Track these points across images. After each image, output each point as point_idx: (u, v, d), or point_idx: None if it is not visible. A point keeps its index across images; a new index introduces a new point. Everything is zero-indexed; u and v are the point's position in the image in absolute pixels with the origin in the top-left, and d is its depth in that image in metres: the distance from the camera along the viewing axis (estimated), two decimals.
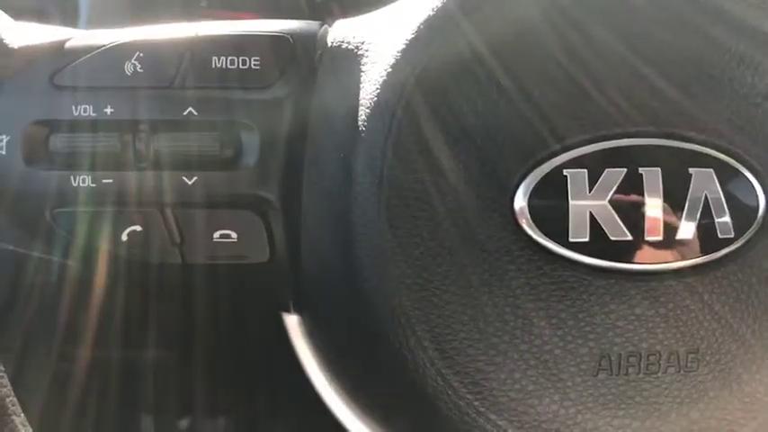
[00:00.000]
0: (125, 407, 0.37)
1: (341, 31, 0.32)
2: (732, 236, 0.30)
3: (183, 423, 0.40)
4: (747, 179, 0.30)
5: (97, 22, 0.61)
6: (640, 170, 0.29)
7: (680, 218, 0.29)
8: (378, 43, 0.31)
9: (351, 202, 0.29)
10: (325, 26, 0.33)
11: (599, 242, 0.29)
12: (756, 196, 0.30)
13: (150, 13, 0.67)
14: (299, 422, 0.41)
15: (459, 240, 0.29)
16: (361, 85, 0.30)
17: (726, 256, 0.30)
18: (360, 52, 0.31)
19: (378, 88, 0.29)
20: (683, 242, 0.29)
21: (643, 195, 0.29)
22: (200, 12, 0.75)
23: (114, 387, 0.36)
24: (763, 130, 0.30)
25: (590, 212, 0.29)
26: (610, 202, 0.29)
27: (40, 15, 0.65)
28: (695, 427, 0.30)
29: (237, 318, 0.33)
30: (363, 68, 0.30)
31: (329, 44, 0.32)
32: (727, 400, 0.30)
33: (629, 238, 0.29)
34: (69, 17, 0.63)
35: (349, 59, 0.31)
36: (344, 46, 0.31)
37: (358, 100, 0.29)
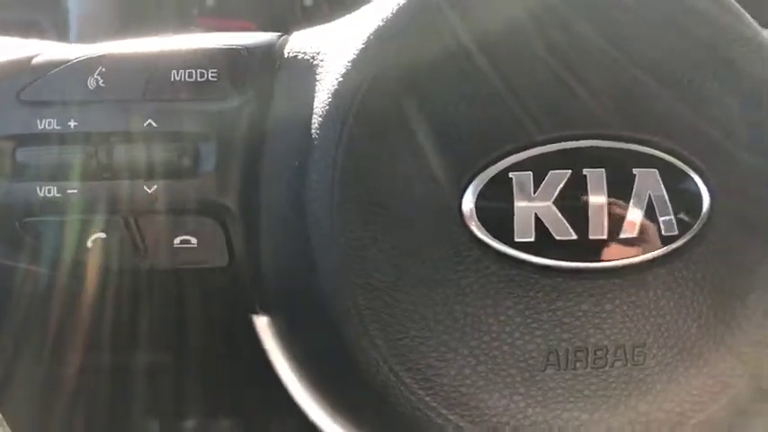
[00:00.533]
0: (101, 410, 0.38)
1: (298, 42, 0.34)
2: (676, 233, 0.31)
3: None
4: (692, 179, 0.31)
5: (87, 34, 0.63)
6: (584, 171, 0.30)
7: (624, 217, 0.30)
8: (332, 53, 0.32)
9: (305, 208, 0.30)
10: (285, 37, 0.34)
11: (544, 242, 0.30)
12: (701, 195, 0.31)
13: (140, 24, 0.69)
14: (272, 423, 0.42)
15: (410, 242, 0.30)
16: (315, 94, 0.31)
17: (670, 253, 0.31)
18: (315, 62, 0.32)
19: (330, 97, 0.30)
20: (627, 241, 0.30)
21: (587, 196, 0.30)
22: (193, 21, 0.76)
23: (93, 391, 0.37)
24: (707, 130, 0.31)
25: (535, 213, 0.30)
26: (554, 202, 0.30)
27: (35, 29, 0.67)
28: (643, 419, 0.31)
29: (208, 321, 0.35)
30: (318, 78, 0.32)
31: (286, 55, 0.33)
32: (675, 392, 0.31)
33: (574, 237, 0.30)
34: (62, 30, 0.65)
35: (304, 69, 0.32)
36: (300, 56, 0.33)
37: (312, 109, 0.31)
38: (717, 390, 0.31)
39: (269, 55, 0.33)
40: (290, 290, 0.32)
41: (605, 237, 0.30)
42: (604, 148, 0.30)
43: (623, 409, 0.31)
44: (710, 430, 0.31)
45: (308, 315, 0.32)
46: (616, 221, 0.30)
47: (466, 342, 0.30)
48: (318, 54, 0.32)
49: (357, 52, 0.30)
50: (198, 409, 0.40)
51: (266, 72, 0.32)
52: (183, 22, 0.75)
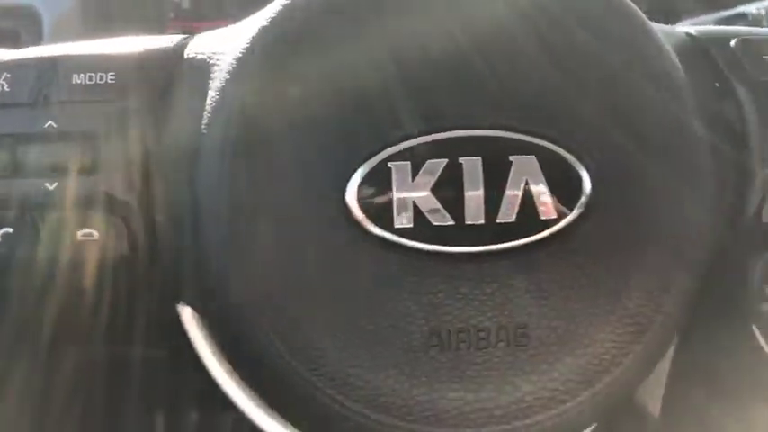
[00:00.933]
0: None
1: (199, 44, 0.35)
2: (555, 217, 0.32)
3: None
4: (571, 164, 0.32)
5: (60, 41, 0.65)
6: (461, 160, 0.31)
7: (500, 203, 0.31)
8: (226, 54, 0.33)
9: (197, 205, 0.32)
10: (188, 38, 0.36)
11: (423, 228, 0.31)
12: (581, 180, 0.32)
13: (113, 29, 0.71)
14: (201, 413, 0.44)
15: (297, 234, 0.31)
16: (207, 94, 0.33)
17: (549, 236, 0.32)
18: (211, 62, 0.34)
19: (219, 95, 0.32)
20: (504, 225, 0.31)
21: (463, 183, 0.31)
22: (168, 23, 0.78)
23: (20, 388, 0.39)
24: (588, 117, 0.32)
25: (413, 201, 0.31)
26: (432, 190, 0.31)
27: (12, 39, 0.70)
28: (529, 398, 0.32)
29: (134, 313, 0.36)
30: (212, 77, 0.33)
31: (186, 56, 0.35)
32: (560, 371, 0.32)
33: (452, 223, 0.31)
34: (36, 37, 0.67)
35: (201, 70, 0.34)
36: (198, 57, 0.34)
37: (203, 107, 0.32)
38: (601, 368, 0.32)
39: (169, 56, 0.34)
40: (190, 282, 0.33)
41: (483, 222, 0.31)
42: (481, 137, 0.31)
43: (509, 388, 0.32)
44: (596, 408, 0.32)
45: (208, 306, 0.34)
46: (493, 207, 0.31)
47: (351, 324, 0.31)
48: (215, 54, 0.34)
49: (244, 51, 0.32)
50: (129, 402, 0.42)
51: (165, 73, 0.34)
52: (159, 25, 0.77)
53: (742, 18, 0.58)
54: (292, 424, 0.36)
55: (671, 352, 0.51)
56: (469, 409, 0.32)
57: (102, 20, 0.69)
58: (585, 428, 0.34)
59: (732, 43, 0.36)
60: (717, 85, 0.36)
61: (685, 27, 0.39)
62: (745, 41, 0.36)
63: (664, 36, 0.37)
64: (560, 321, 0.32)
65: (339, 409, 0.32)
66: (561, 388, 0.32)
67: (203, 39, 0.36)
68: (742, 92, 0.36)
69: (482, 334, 0.32)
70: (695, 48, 0.37)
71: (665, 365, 0.53)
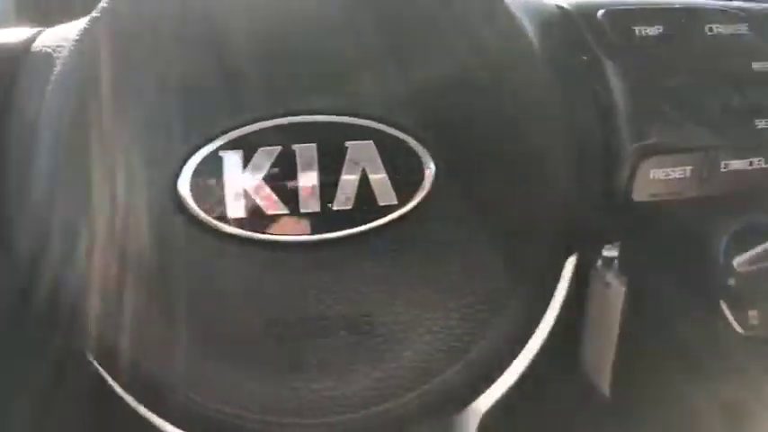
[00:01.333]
0: None
1: (46, 37, 0.35)
2: (395, 203, 0.31)
3: None
4: (412, 149, 0.31)
5: None
6: (294, 147, 0.30)
7: (336, 190, 0.30)
8: (66, 48, 0.33)
9: (31, 201, 0.31)
10: (40, 32, 0.35)
11: (257, 217, 0.30)
12: (422, 165, 0.31)
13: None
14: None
15: (129, 229, 0.31)
16: (48, 85, 0.32)
17: (389, 223, 0.31)
18: (55, 55, 0.34)
19: (56, 86, 0.32)
20: (341, 213, 0.31)
21: (296, 171, 0.30)
22: None
23: None
24: (429, 99, 0.31)
25: (245, 190, 0.30)
26: (264, 179, 0.30)
27: None
28: (379, 385, 0.31)
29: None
30: (55, 69, 0.33)
31: (32, 49, 0.34)
32: (409, 358, 0.31)
33: (286, 211, 0.30)
34: None
35: (45, 62, 0.33)
36: (44, 50, 0.34)
37: (43, 98, 0.32)
38: (452, 355, 0.32)
39: (16, 49, 0.34)
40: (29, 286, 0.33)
41: (318, 210, 0.30)
42: (317, 122, 0.31)
43: (355, 377, 0.31)
44: (448, 394, 0.32)
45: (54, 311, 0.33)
46: (329, 194, 0.30)
47: (191, 320, 0.31)
48: (59, 47, 0.34)
49: (78, 40, 0.32)
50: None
51: (12, 65, 0.34)
52: None
53: None
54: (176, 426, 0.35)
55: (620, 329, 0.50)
56: (313, 398, 0.31)
57: (38, 16, 0.69)
58: (437, 415, 0.33)
59: (599, 14, 0.35)
60: (584, 58, 0.35)
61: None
62: (611, 12, 0.35)
63: (532, 9, 0.36)
64: (405, 309, 0.31)
65: (184, 401, 0.31)
66: (409, 376, 0.32)
67: (52, 32, 0.35)
68: (609, 65, 0.34)
69: (323, 323, 0.31)
70: (563, 20, 0.36)
71: (610, 344, 0.52)
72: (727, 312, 0.48)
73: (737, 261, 0.45)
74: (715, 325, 0.48)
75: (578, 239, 0.36)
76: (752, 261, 0.41)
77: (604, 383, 0.53)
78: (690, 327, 0.49)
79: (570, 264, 0.43)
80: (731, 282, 0.47)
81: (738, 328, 0.48)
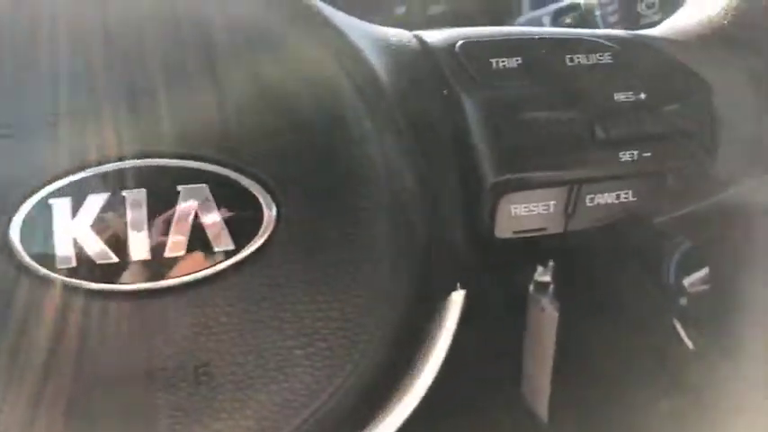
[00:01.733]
0: None
1: None
2: (233, 248, 0.30)
3: None
4: (250, 192, 0.30)
5: None
6: (123, 193, 0.29)
7: (167, 236, 0.29)
8: None
9: None
10: None
11: (86, 266, 0.29)
12: (262, 208, 0.30)
13: None
14: None
15: None
16: None
17: (227, 269, 0.30)
18: None
19: None
20: (174, 260, 0.30)
21: (125, 218, 0.29)
22: None
23: None
24: (264, 137, 0.30)
25: (74, 238, 0.29)
26: (93, 227, 0.29)
27: None
28: None
29: None
30: None
31: None
32: (255, 408, 0.30)
33: (116, 260, 0.29)
34: None
35: None
36: None
37: None
38: (300, 403, 0.31)
39: None
40: None
41: (149, 257, 0.29)
42: (147, 167, 0.30)
43: (197, 428, 0.30)
44: None
45: None
46: (159, 241, 0.29)
47: (19, 372, 0.30)
48: None
49: None
50: None
51: None
52: None
53: (575, 9, 0.55)
54: None
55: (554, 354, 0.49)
56: None
57: None
58: None
59: (457, 47, 0.34)
60: (444, 92, 0.34)
61: (434, 32, 0.37)
62: (468, 44, 0.34)
63: (393, 43, 0.35)
64: (248, 357, 0.30)
65: None
66: (255, 427, 0.30)
67: None
68: (466, 100, 0.34)
69: (160, 374, 0.30)
70: (424, 54, 0.35)
71: (546, 369, 0.51)
72: (681, 330, 0.48)
73: (688, 281, 0.45)
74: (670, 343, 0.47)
75: (443, 276, 0.35)
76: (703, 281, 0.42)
77: (542, 409, 0.52)
78: (641, 346, 0.49)
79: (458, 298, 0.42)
80: (683, 301, 0.47)
81: (690, 345, 0.48)
